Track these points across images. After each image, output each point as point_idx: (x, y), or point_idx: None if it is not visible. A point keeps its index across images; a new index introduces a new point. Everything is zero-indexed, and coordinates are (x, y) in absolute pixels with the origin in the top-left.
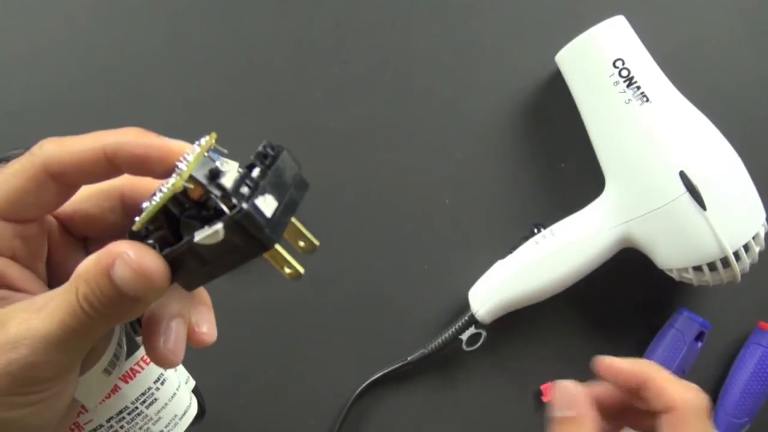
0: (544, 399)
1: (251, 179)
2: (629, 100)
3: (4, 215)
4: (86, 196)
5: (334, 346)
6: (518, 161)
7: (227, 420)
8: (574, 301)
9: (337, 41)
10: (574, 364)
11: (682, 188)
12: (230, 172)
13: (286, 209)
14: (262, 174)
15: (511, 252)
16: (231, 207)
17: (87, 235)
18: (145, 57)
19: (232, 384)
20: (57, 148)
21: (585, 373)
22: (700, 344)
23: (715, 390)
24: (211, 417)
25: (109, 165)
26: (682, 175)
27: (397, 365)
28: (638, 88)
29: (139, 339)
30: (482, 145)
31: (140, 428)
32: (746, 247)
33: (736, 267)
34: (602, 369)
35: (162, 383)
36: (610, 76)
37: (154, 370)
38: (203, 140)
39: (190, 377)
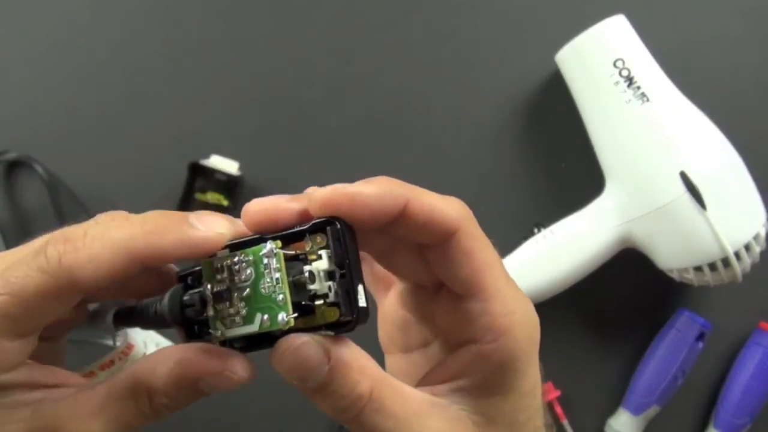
0: (544, 399)
1: (332, 274)
2: (629, 99)
3: (21, 334)
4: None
5: None
6: (518, 161)
7: (226, 420)
8: (574, 301)
9: (337, 41)
10: (574, 365)
11: (683, 188)
12: (314, 273)
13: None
14: (338, 258)
15: (511, 252)
16: (339, 313)
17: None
18: (145, 57)
19: None
20: (84, 265)
21: (585, 373)
22: (701, 344)
23: (715, 390)
24: (211, 417)
25: (139, 268)
26: (683, 175)
27: None
28: (638, 87)
29: (119, 339)
30: (482, 145)
31: None
32: (747, 247)
33: (737, 267)
34: (345, 205)
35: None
36: (611, 75)
37: (133, 359)
38: (267, 247)
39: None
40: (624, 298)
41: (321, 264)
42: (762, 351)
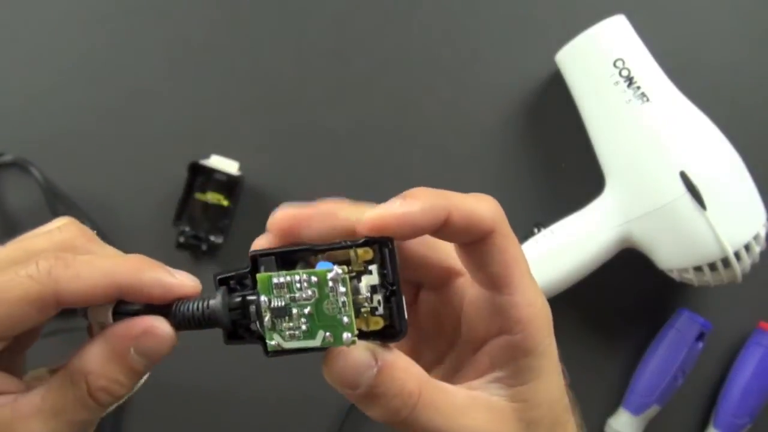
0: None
1: (377, 287)
2: (629, 99)
3: None
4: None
5: None
6: (518, 161)
7: (227, 420)
8: (574, 301)
9: (337, 41)
10: (574, 365)
11: (683, 188)
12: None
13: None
14: (387, 276)
15: None
16: (383, 323)
17: None
18: (145, 57)
19: (232, 384)
20: (71, 279)
21: (585, 373)
22: (701, 344)
23: (715, 390)
24: (210, 417)
25: (116, 296)
26: (683, 175)
27: None
28: (638, 87)
29: None
30: (482, 145)
31: None
32: (747, 247)
33: (737, 267)
34: (396, 227)
35: None
36: (611, 75)
37: None
38: (335, 271)
39: None
40: (624, 298)
41: (371, 279)
42: (762, 351)
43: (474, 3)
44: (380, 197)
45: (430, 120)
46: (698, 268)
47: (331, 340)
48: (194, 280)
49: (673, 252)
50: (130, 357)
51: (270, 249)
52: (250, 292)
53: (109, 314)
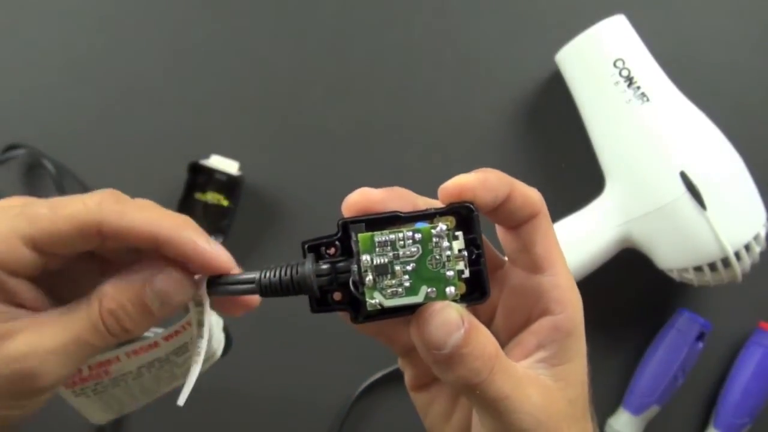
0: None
1: (462, 252)
2: (629, 99)
3: (39, 248)
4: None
5: (335, 346)
6: (518, 161)
7: (227, 420)
8: None
9: (337, 40)
10: None
11: (683, 188)
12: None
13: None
14: (475, 240)
15: None
16: (465, 287)
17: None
18: (145, 57)
19: (232, 384)
20: (117, 216)
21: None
22: (701, 344)
23: (715, 390)
24: (211, 417)
25: (156, 249)
26: (683, 175)
27: (398, 365)
28: (638, 87)
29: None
30: (482, 145)
31: (166, 371)
32: (747, 247)
33: (737, 267)
34: (479, 189)
35: (199, 337)
36: (611, 75)
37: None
38: (440, 227)
39: (220, 318)
40: (624, 298)
41: (458, 244)
42: (762, 351)
43: (474, 3)
44: None
45: (430, 120)
46: (698, 268)
47: (434, 295)
48: (229, 257)
49: (673, 252)
50: (144, 292)
51: (359, 216)
52: (340, 258)
53: (204, 287)
